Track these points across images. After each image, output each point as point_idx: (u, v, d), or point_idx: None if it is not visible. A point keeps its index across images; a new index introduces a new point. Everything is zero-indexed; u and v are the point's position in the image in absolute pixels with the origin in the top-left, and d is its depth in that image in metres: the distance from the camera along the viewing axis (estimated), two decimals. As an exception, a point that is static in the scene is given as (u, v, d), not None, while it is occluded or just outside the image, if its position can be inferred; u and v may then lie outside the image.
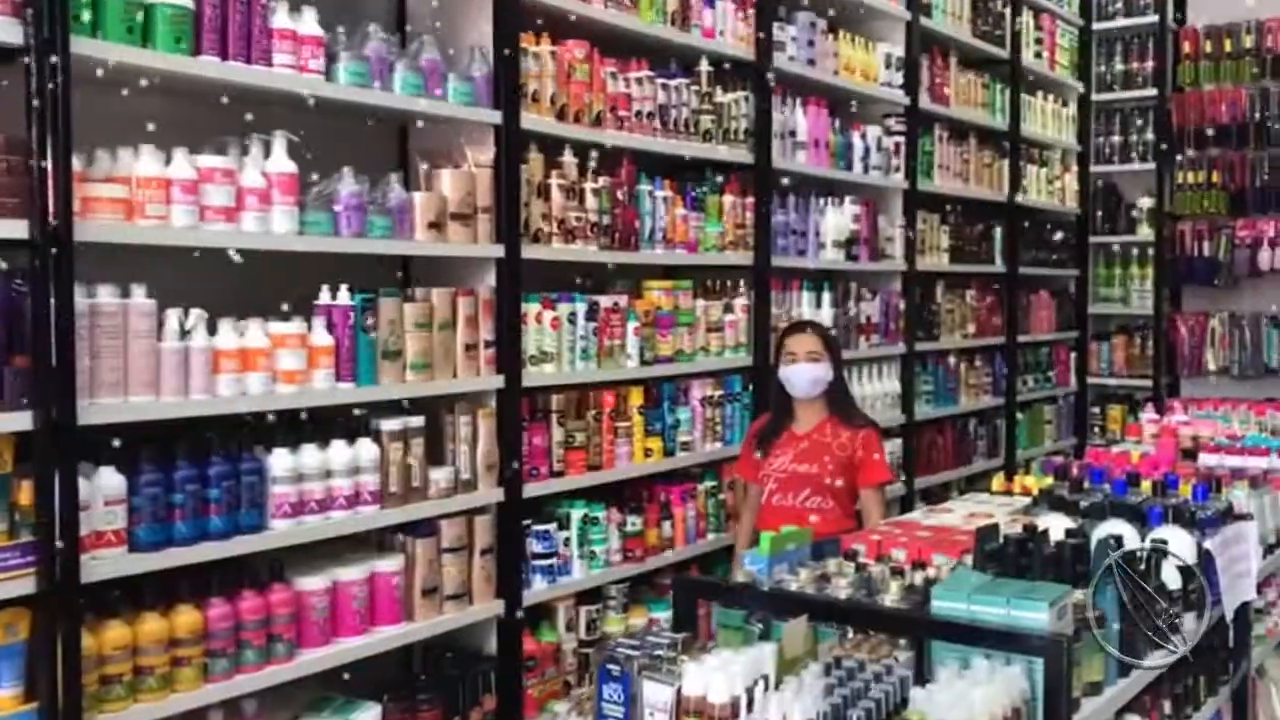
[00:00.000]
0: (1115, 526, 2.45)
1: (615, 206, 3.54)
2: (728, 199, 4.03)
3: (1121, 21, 6.62)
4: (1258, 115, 6.22)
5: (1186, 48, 6.46)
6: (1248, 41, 6.28)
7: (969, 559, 2.29)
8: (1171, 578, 2.33)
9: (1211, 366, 6.41)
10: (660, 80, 3.70)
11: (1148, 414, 4.29)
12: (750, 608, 2.03)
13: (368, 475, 2.79)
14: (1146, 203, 6.57)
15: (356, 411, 2.84)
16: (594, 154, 3.48)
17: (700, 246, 3.92)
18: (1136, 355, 6.67)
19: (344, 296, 2.76)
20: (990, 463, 5.77)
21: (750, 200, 4.12)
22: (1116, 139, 6.70)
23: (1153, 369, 6.56)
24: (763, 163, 4.13)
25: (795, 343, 3.62)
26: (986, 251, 5.79)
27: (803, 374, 3.58)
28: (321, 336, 2.70)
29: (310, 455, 2.68)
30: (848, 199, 4.68)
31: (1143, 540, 2.38)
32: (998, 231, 5.85)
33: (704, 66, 3.89)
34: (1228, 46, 6.34)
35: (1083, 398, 6.72)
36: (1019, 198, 5.96)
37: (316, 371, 2.68)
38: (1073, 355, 6.71)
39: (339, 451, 2.74)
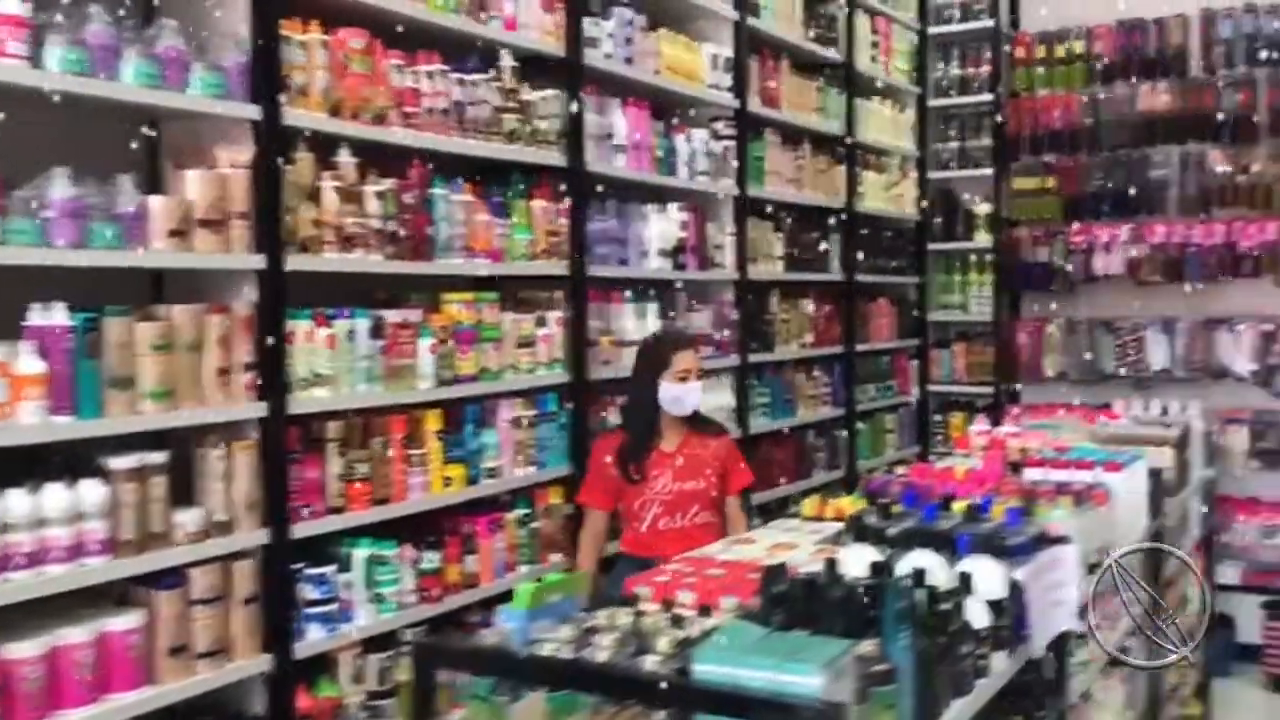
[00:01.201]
0: (921, 559, 2.25)
1: (404, 212, 3.23)
2: (538, 204, 3.76)
3: (957, 26, 6.57)
4: (1089, 121, 6.23)
5: (1021, 53, 6.45)
6: (1078, 48, 6.29)
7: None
8: (978, 615, 2.14)
9: (1050, 372, 6.39)
10: (456, 75, 3.41)
11: (977, 425, 4.15)
12: (495, 675, 1.75)
13: (94, 521, 2.42)
14: (984, 209, 6.53)
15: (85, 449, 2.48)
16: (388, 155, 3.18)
17: (507, 255, 3.63)
18: (977, 362, 6.62)
19: (60, 316, 2.39)
20: (831, 474, 5.63)
21: (564, 206, 3.86)
22: (954, 145, 6.65)
23: (993, 375, 6.51)
24: (577, 166, 3.87)
25: (687, 359, 3.59)
26: (823, 259, 5.64)
27: (695, 394, 3.59)
28: (30, 363, 2.33)
29: (15, 501, 2.30)
30: (674, 205, 4.45)
31: (951, 572, 2.19)
32: (834, 239, 5.72)
33: (507, 61, 3.61)
34: (1060, 52, 6.34)
35: (925, 406, 6.65)
36: (856, 204, 5.84)
37: (23, 404, 2.31)
38: (914, 363, 6.63)
39: (54, 495, 2.36)
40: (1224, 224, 5.89)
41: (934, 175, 6.67)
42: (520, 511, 3.68)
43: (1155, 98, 6.07)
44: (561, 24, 3.82)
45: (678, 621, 2.02)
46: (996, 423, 5.00)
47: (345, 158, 3.08)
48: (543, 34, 3.75)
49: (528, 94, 3.69)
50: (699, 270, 4.59)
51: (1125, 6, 6.15)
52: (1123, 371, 6.19)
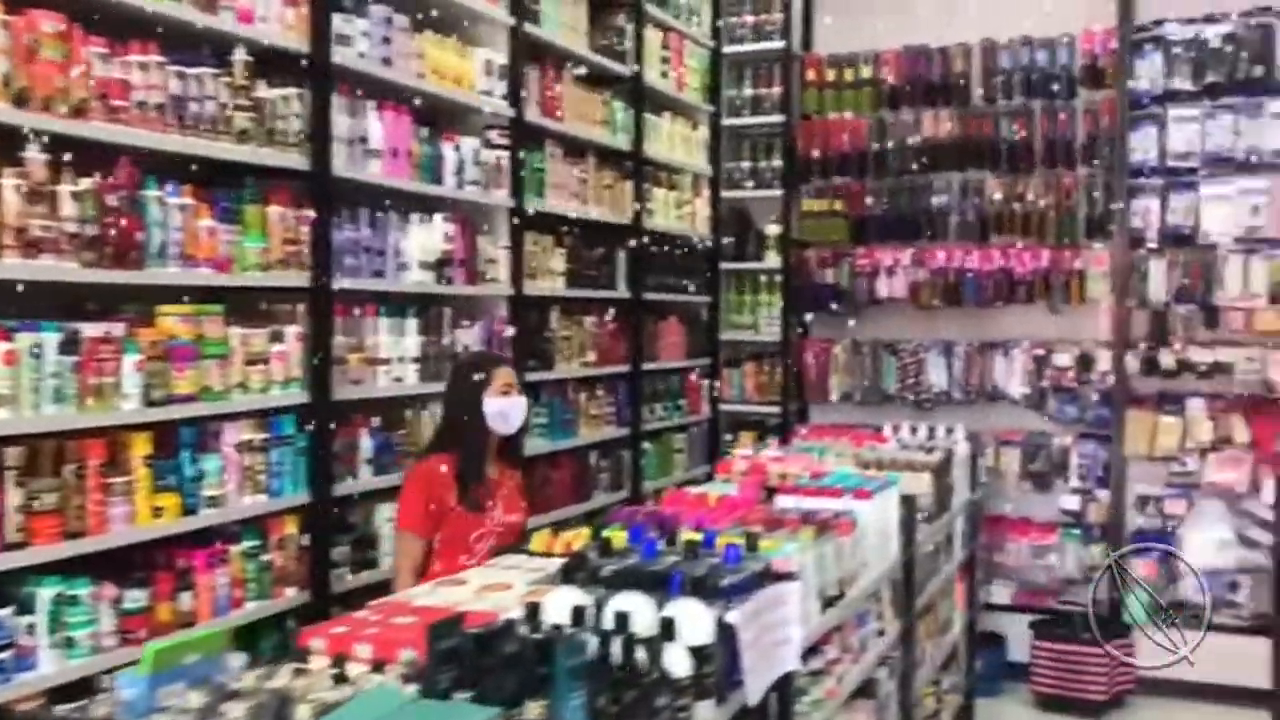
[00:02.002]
0: (627, 602, 2.10)
1: (108, 215, 2.92)
2: (274, 210, 3.48)
3: (750, 46, 6.56)
4: (876, 145, 6.30)
5: (811, 75, 6.48)
6: (866, 72, 6.36)
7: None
8: (679, 663, 2.00)
9: (835, 393, 6.44)
10: (175, 67, 3.12)
11: (741, 450, 4.07)
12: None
13: None
14: (775, 229, 6.53)
15: None
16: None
17: (236, 265, 3.35)
18: (767, 382, 6.61)
19: None
20: (614, 495, 5.49)
21: (307, 213, 3.59)
22: (747, 164, 6.63)
23: (782, 395, 6.51)
24: (321, 170, 3.61)
25: (505, 374, 3.53)
26: (609, 276, 5.52)
27: (520, 409, 3.52)
28: None
29: None
30: (439, 216, 4.24)
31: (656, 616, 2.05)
32: (621, 255, 5.60)
33: (240, 56, 3.34)
34: (849, 76, 6.40)
35: (715, 425, 6.60)
36: (645, 221, 5.74)
37: None
38: (705, 382, 6.57)
39: None
40: (1000, 250, 6.04)
41: (727, 194, 6.64)
42: (248, 544, 3.39)
43: (938, 125, 6.18)
44: (306, 18, 3.57)
45: (342, 680, 1.82)
46: (785, 442, 4.99)
47: (34, 154, 2.77)
48: (284, 28, 3.49)
49: (264, 91, 3.43)
50: (468, 284, 4.39)
51: (911, 33, 6.25)
52: (905, 393, 6.27)
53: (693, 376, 6.44)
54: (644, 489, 5.66)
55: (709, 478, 6.05)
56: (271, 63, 3.48)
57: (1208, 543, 5.54)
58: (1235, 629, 5.47)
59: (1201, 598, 5.61)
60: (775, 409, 6.54)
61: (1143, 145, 5.79)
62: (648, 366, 5.81)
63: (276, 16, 3.47)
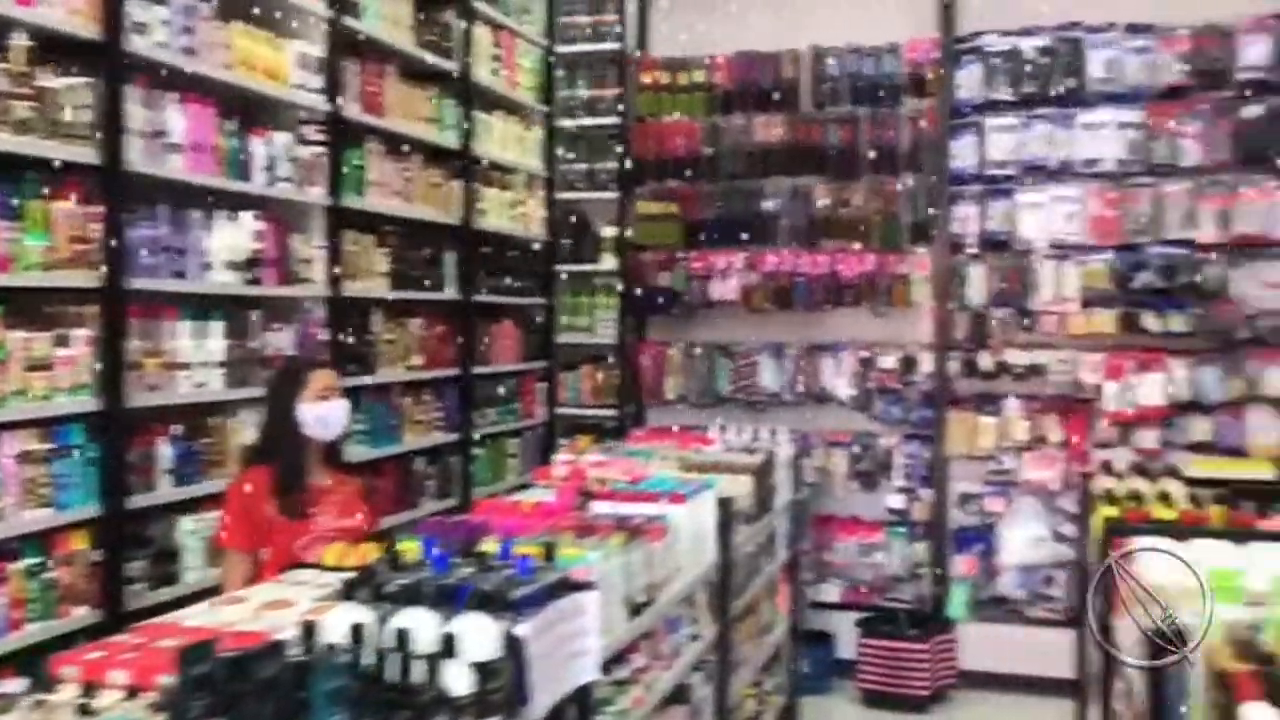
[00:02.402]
0: (409, 618, 2.02)
1: None
2: (60, 207, 3.28)
3: (585, 47, 6.52)
4: (709, 149, 6.33)
5: (646, 78, 6.48)
6: (700, 76, 6.39)
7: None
8: (460, 680, 1.92)
9: (671, 395, 6.45)
10: (-60, 51, 2.90)
11: (562, 454, 4.02)
12: None
13: None
14: (610, 231, 6.51)
15: None
16: None
17: (16, 264, 3.14)
18: (604, 385, 6.58)
19: None
20: (443, 503, 5.38)
21: (97, 210, 3.39)
22: (583, 166, 6.59)
23: (618, 398, 6.49)
24: (114, 165, 3.42)
25: (325, 378, 3.44)
26: (437, 277, 5.40)
27: (340, 413, 3.43)
28: None
29: None
30: (248, 214, 4.06)
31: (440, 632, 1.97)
32: (450, 256, 5.49)
33: (20, 41, 3.12)
34: (683, 80, 6.41)
35: (552, 429, 6.53)
36: (476, 221, 5.64)
37: None
38: (541, 386, 6.51)
39: None
40: (828, 255, 6.13)
41: (563, 196, 6.58)
42: (30, 560, 3.18)
43: (769, 130, 6.25)
44: (96, 3, 3.37)
45: (87, 713, 1.69)
46: (624, 438, 4.96)
47: None
48: (69, 13, 3.29)
49: (48, 80, 3.22)
50: (280, 286, 4.22)
51: (744, 39, 6.31)
52: (738, 395, 6.33)
53: (529, 380, 6.37)
54: (474, 495, 5.56)
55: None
56: (58, 50, 3.27)
57: (1024, 539, 5.74)
58: (1050, 622, 5.67)
59: (1020, 593, 5.82)
60: (612, 412, 6.51)
61: (963, 153, 5.96)
62: (480, 370, 5.71)
63: (63, 2, 3.26)
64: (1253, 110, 5.54)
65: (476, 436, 5.70)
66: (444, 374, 5.41)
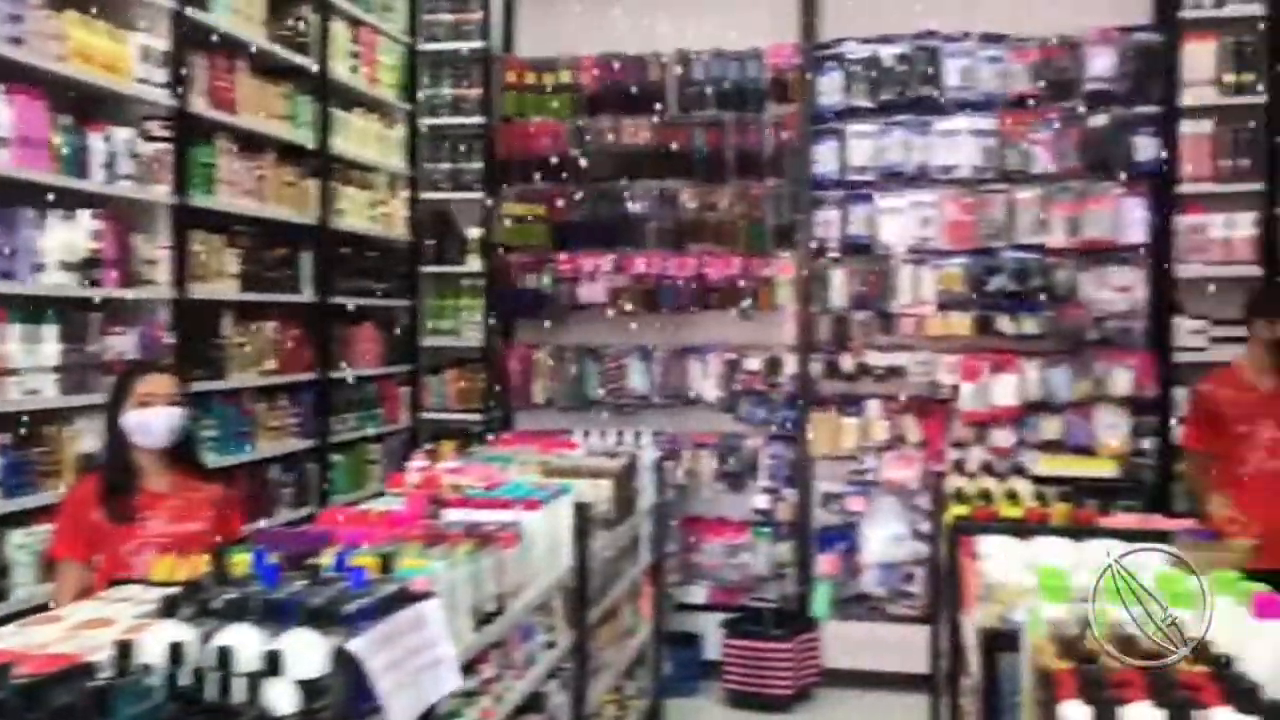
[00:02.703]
0: (233, 635, 1.93)
1: None
2: None
3: (448, 45, 6.42)
4: (576, 151, 6.30)
5: (512, 78, 6.41)
6: (566, 77, 6.35)
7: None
8: (284, 698, 1.85)
9: (540, 399, 6.39)
10: None
11: (416, 461, 3.94)
12: None
13: None
14: (476, 233, 6.42)
15: None
16: None
17: None
18: (470, 388, 6.48)
19: None
20: (299, 511, 5.22)
21: (-87, 207, 3.20)
22: (447, 166, 6.48)
23: (485, 402, 6.40)
24: (-69, 159, 3.22)
25: (153, 384, 3.33)
26: (292, 279, 5.24)
27: (164, 420, 3.30)
28: None
29: None
30: (85, 212, 3.88)
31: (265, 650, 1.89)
32: (306, 257, 5.34)
33: None
34: (548, 80, 6.36)
35: (416, 434, 6.41)
36: (334, 221, 5.50)
37: None
38: (405, 390, 6.38)
39: None
40: (695, 258, 6.15)
41: (426, 196, 6.46)
42: None
43: (636, 133, 6.24)
44: (-90, -12, 3.17)
45: None
46: (494, 441, 4.88)
47: None
48: (-121, -3, 3.09)
49: None
50: (122, 287, 4.04)
51: (609, 41, 6.29)
52: (607, 398, 6.30)
53: (392, 384, 6.24)
54: (331, 503, 5.41)
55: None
56: None
57: (884, 537, 5.84)
58: (909, 618, 5.78)
59: (880, 590, 5.92)
60: (479, 416, 6.41)
61: (825, 158, 6.04)
62: (338, 374, 5.57)
63: None
64: (1098, 120, 5.74)
65: (335, 443, 5.56)
66: (300, 379, 5.26)
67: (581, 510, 3.49)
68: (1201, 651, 1.65)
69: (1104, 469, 4.46)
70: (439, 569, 2.47)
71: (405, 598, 2.24)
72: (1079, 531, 3.12)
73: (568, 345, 6.39)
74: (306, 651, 1.92)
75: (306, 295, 5.33)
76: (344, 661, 1.97)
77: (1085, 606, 2.08)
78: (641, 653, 4.65)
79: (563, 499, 3.39)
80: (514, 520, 3.06)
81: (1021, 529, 3.12)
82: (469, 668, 2.66)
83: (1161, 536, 3.03)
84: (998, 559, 2.76)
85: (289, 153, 5.18)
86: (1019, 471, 4.18)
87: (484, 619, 2.71)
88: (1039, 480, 4.10)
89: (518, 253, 6.36)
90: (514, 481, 3.61)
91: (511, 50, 6.55)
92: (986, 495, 3.81)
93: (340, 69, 5.58)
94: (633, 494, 4.32)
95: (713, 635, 5.91)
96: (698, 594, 6.13)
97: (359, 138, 5.80)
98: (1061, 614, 1.87)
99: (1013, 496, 3.79)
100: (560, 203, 6.32)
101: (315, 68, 5.34)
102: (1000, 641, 1.94)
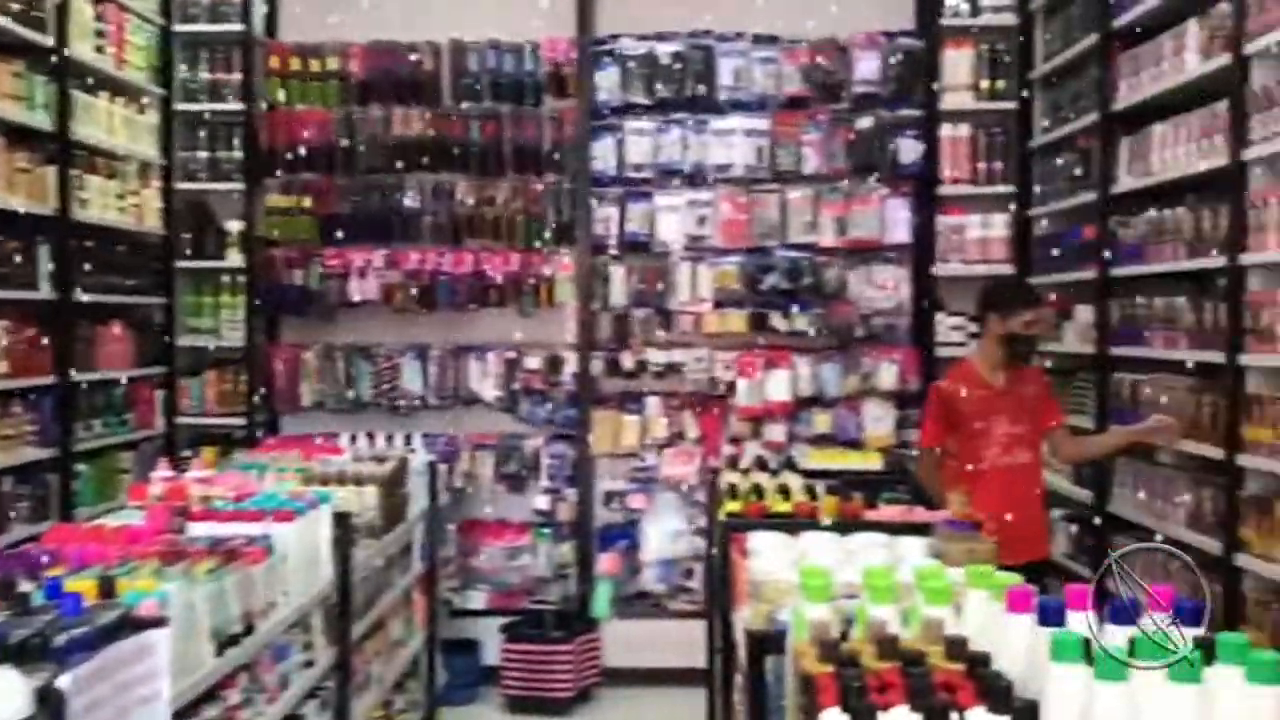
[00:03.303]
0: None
1: None
2: None
3: (206, 27, 6.03)
4: (345, 141, 6.04)
5: (276, 63, 6.08)
6: (334, 64, 6.08)
7: None
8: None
9: (308, 401, 6.10)
10: None
11: (160, 470, 3.65)
12: None
13: None
14: (237, 226, 6.06)
15: None
16: None
17: None
18: (232, 391, 6.12)
19: None
20: (38, 527, 4.77)
21: None
22: (205, 155, 6.09)
23: (248, 406, 6.05)
24: None
25: None
26: (28, 274, 4.79)
27: None
28: None
29: None
30: None
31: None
32: (44, 251, 4.90)
33: None
34: (315, 67, 6.08)
35: (173, 441, 6.00)
36: (75, 212, 5.06)
37: None
38: (160, 393, 5.96)
39: None
40: (473, 254, 6.00)
41: (182, 186, 6.05)
42: None
43: (409, 124, 6.03)
44: None
45: None
46: (257, 447, 4.59)
47: None
48: None
49: None
50: None
51: (380, 27, 6.06)
52: (380, 400, 6.07)
53: (144, 387, 5.82)
54: (76, 517, 4.99)
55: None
56: None
57: (664, 534, 5.85)
58: (689, 614, 5.80)
59: (661, 587, 5.92)
60: (242, 421, 6.06)
61: (604, 155, 5.99)
62: (82, 377, 5.14)
63: None
64: (865, 122, 5.90)
65: (80, 451, 5.13)
66: (36, 383, 4.82)
67: (342, 520, 3.30)
68: (958, 649, 1.64)
69: (869, 462, 4.57)
70: (173, 591, 2.26)
71: (129, 625, 2.03)
72: (845, 526, 3.15)
73: (338, 344, 6.12)
74: (6, 692, 1.69)
75: (44, 292, 4.88)
76: (52, 702, 1.75)
77: (850, 604, 2.08)
78: (415, 664, 4.47)
79: (321, 509, 3.20)
80: (264, 534, 2.86)
81: (789, 524, 3.12)
82: (211, 694, 2.45)
83: (923, 529, 3.09)
84: (766, 556, 2.75)
85: (23, 137, 4.74)
86: (791, 466, 4.22)
87: (228, 641, 2.50)
88: (809, 474, 4.15)
89: (282, 247, 6.05)
90: (268, 491, 3.39)
91: (275, 35, 6.22)
92: (759, 490, 3.82)
93: (83, 48, 5.14)
94: (402, 500, 4.14)
95: (492, 640, 5.77)
96: (477, 599, 5.98)
97: (105, 122, 5.36)
98: (825, 614, 1.84)
99: (784, 491, 3.81)
100: (328, 195, 6.04)
101: (53, 44, 4.90)
102: (766, 644, 1.91)
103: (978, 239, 5.83)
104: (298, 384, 6.10)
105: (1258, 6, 3.67)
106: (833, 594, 2.08)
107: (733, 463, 4.39)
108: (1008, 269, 5.76)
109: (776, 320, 5.90)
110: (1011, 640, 1.73)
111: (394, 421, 5.99)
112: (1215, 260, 3.90)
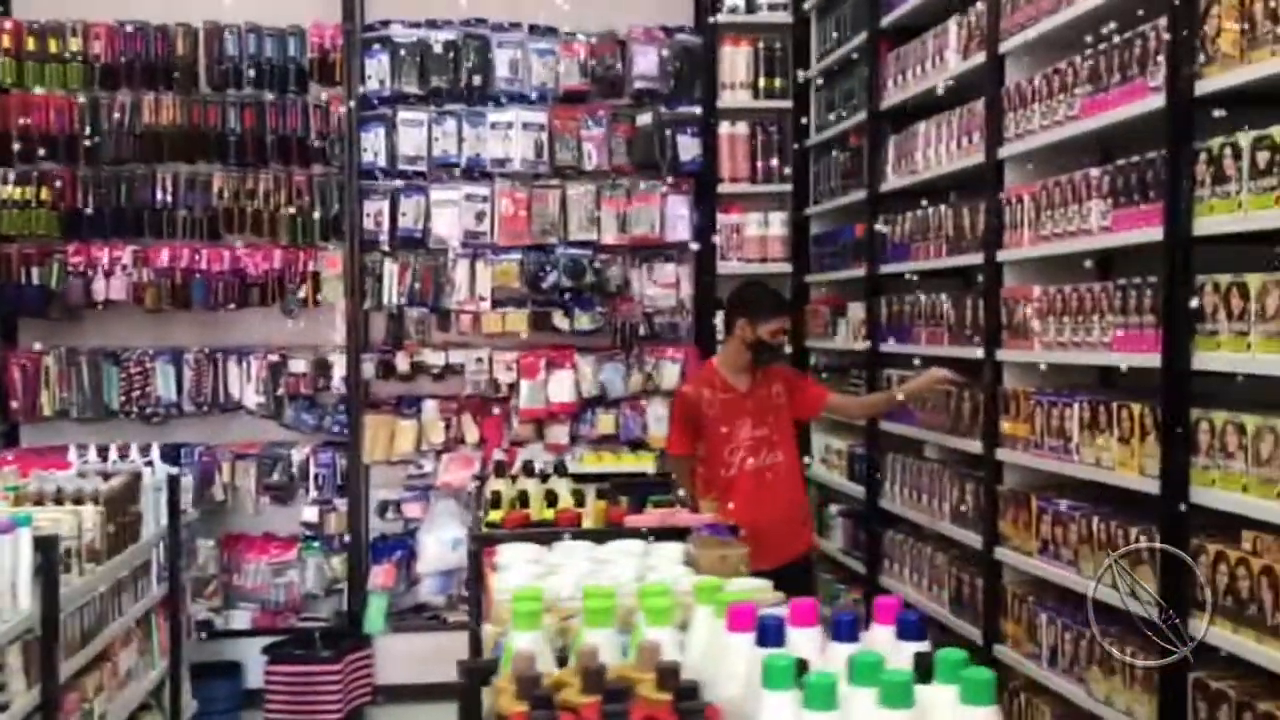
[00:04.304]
0: None
1: None
2: None
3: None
4: (88, 129, 5.55)
5: (8, 42, 5.55)
6: (75, 45, 5.58)
7: None
8: None
9: (49, 410, 5.59)
10: None
11: None
12: None
13: None
14: (-29, 219, 5.49)
15: None
16: None
17: None
18: (-34, 401, 5.55)
19: None
20: None
21: None
22: (-76, 140, 5.49)
23: (-23, 416, 5.51)
24: None
25: None
26: None
27: None
28: None
29: None
30: None
31: None
32: None
33: None
34: (54, 47, 5.57)
35: (-112, 457, 5.39)
36: None
37: None
38: None
39: None
40: (231, 250, 5.62)
41: (-103, 175, 5.45)
42: None
43: (160, 111, 5.60)
44: None
45: None
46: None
47: None
48: None
49: None
50: None
51: (127, 7, 5.60)
52: (131, 407, 5.61)
53: None
54: None
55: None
56: None
57: (441, 543, 5.59)
58: (468, 625, 5.57)
59: (439, 598, 5.68)
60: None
61: (374, 146, 5.70)
62: None
63: None
64: (644, 118, 5.80)
65: None
66: None
67: (46, 545, 2.95)
68: (670, 678, 1.50)
69: (641, 464, 4.46)
70: None
71: None
72: (604, 534, 3.01)
73: (82, 348, 5.63)
74: None
75: None
76: None
77: (575, 626, 1.92)
78: (157, 694, 4.11)
79: (17, 534, 2.84)
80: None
81: (543, 535, 2.96)
82: None
83: (683, 534, 2.97)
84: (512, 570, 2.57)
85: None
86: (561, 471, 4.05)
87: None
88: (581, 479, 3.99)
89: (17, 243, 5.54)
90: (-33, 514, 3.01)
91: (8, 11, 5.68)
92: (524, 498, 3.64)
93: None
94: (133, 519, 3.78)
95: (255, 663, 5.40)
96: (241, 619, 5.59)
97: None
98: (532, 643, 1.67)
99: (552, 497, 3.64)
100: (69, 186, 5.54)
101: None
102: (474, 676, 1.72)
103: (757, 237, 5.82)
104: (38, 392, 5.58)
105: (1011, 5, 3.72)
106: (562, 615, 1.92)
107: (500, 469, 4.17)
108: (786, 267, 5.77)
109: (558, 319, 5.75)
110: (732, 662, 1.60)
111: (146, 431, 5.54)
112: (974, 257, 3.94)
